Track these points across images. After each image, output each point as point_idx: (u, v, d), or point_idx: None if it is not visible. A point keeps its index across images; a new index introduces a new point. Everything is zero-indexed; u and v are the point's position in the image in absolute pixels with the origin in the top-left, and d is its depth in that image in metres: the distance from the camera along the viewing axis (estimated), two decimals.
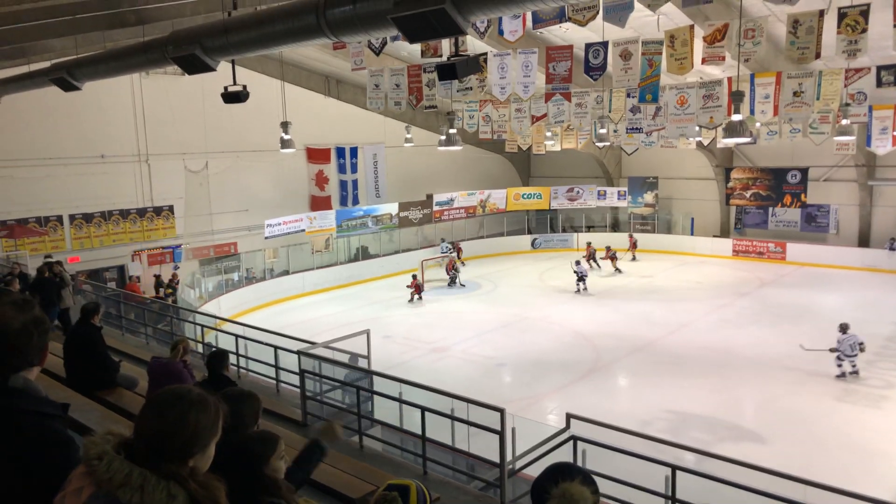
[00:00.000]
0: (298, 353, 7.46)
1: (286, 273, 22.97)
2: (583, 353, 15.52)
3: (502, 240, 30.55)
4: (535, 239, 30.96)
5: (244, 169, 22.09)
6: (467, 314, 19.51)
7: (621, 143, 23.36)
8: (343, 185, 26.11)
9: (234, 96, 9.27)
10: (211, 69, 7.64)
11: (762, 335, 16.54)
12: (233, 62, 9.51)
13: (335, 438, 3.56)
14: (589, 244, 26.14)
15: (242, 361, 10.15)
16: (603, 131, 20.15)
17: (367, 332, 8.58)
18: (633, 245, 27.62)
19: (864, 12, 9.84)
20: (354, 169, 26.26)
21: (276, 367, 8.82)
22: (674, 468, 5.60)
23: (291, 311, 20.41)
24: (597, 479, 6.35)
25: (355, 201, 26.15)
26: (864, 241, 25.31)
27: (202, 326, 12.22)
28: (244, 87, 9.25)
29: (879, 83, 12.72)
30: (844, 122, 14.59)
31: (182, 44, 7.60)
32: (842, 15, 9.92)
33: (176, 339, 7.26)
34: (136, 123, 19.60)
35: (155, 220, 20.37)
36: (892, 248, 24.17)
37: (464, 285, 23.37)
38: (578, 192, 30.81)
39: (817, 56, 10.31)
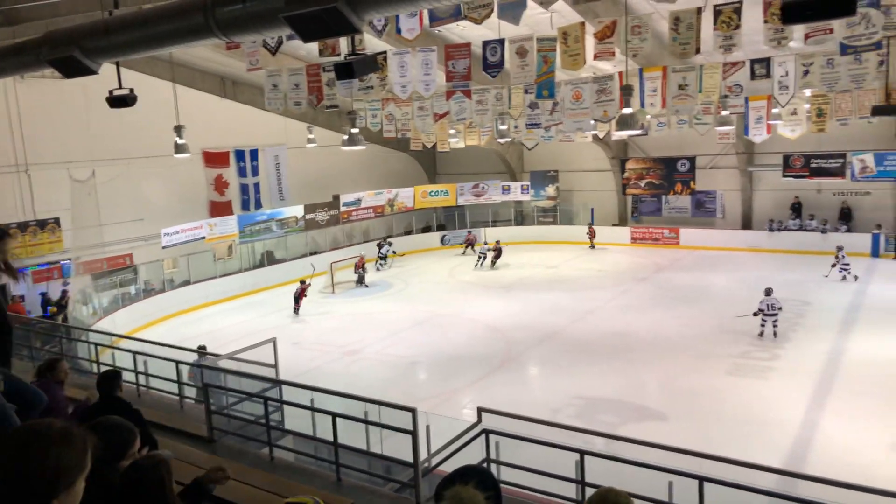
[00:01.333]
0: (201, 366, 7.16)
1: (187, 283, 22.02)
2: (495, 346, 15.79)
3: (412, 238, 30.60)
4: (444, 235, 31.21)
5: (136, 176, 20.95)
6: (380, 314, 19.41)
7: (522, 139, 23.94)
8: (244, 188, 25.30)
9: (120, 100, 8.77)
10: (92, 72, 7.18)
11: (661, 317, 17.42)
12: (117, 64, 8.99)
13: (218, 482, 3.39)
14: (498, 241, 26.85)
15: (143, 379, 9.66)
16: (504, 127, 20.60)
17: (274, 340, 8.35)
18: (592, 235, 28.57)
19: (738, 9, 10.49)
20: (256, 172, 25.50)
21: (179, 382, 8.44)
22: (582, 453, 5.78)
23: (195, 323, 19.59)
24: (509, 469, 6.48)
25: (258, 205, 25.41)
26: (746, 223, 27.15)
27: (96, 345, 11.51)
28: (131, 90, 8.77)
29: (753, 76, 13.62)
30: (724, 112, 15.53)
31: (58, 45, 7.10)
32: (717, 12, 10.55)
33: (48, 358, 6.50)
34: (11, 131, 18.15)
35: (39, 234, 18.97)
36: (772, 229, 26.05)
37: (367, 286, 23.26)
38: (484, 187, 31.32)
39: (697, 51, 10.91)
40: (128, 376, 9.79)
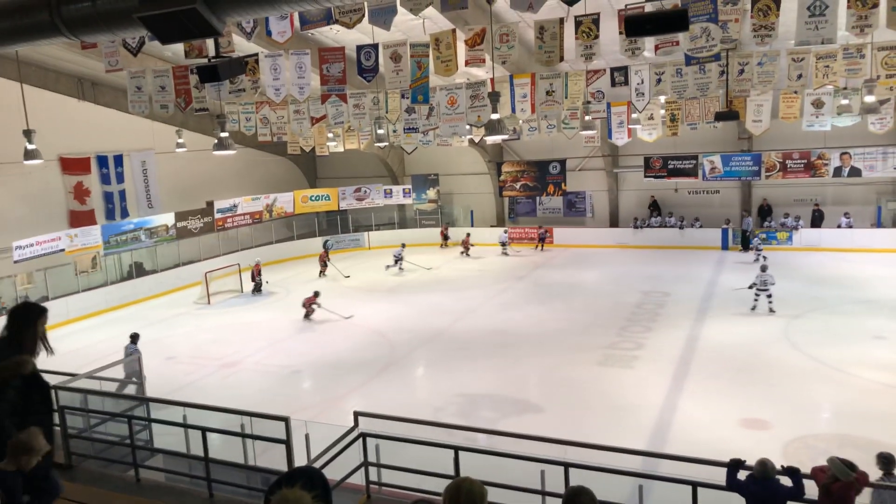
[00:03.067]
0: (55, 387, 6.69)
1: (45, 299, 20.29)
2: (378, 349, 15.80)
3: (293, 244, 29.93)
4: (326, 240, 30.75)
5: None
6: (259, 324, 18.86)
7: (401, 143, 24.11)
8: (108, 196, 23.71)
9: None
10: None
11: (538, 313, 18.16)
12: None
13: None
14: (468, 234, 28.03)
15: None
16: (382, 132, 20.68)
17: (139, 356, 7.93)
18: (541, 239, 28.89)
19: (596, 21, 11.19)
20: (121, 179, 23.96)
21: None
22: (456, 449, 5.95)
23: (56, 342, 17.84)
24: (386, 471, 6.55)
25: (124, 214, 23.88)
26: (613, 221, 28.88)
27: None
28: None
29: (613, 83, 14.57)
30: (588, 118, 16.44)
31: None
32: (578, 22, 11.19)
33: None
34: None
35: None
36: (636, 226, 27.89)
37: (261, 290, 22.61)
38: (366, 191, 31.24)
39: (561, 59, 11.51)
40: None
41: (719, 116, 14.28)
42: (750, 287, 17.32)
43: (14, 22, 5.97)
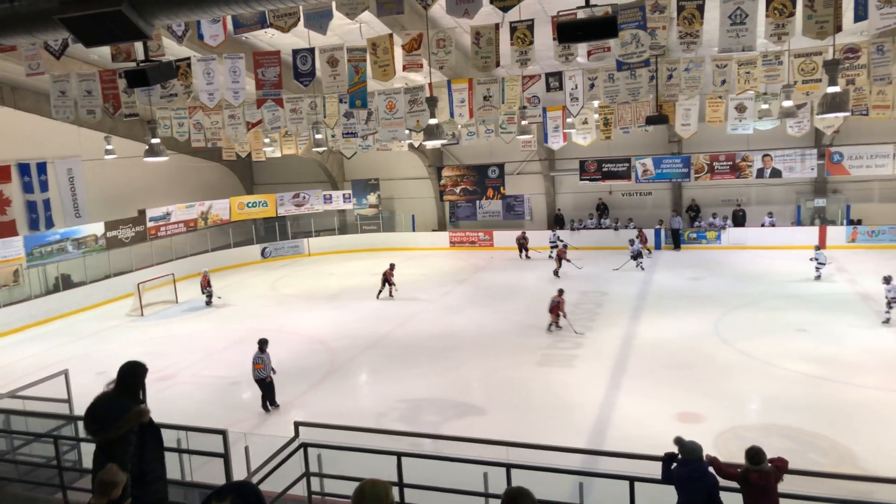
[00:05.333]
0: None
1: None
2: (319, 357, 15.61)
3: (230, 252, 29.25)
4: (265, 248, 30.23)
5: None
6: (196, 335, 18.34)
7: (340, 148, 23.92)
8: (31, 206, 22.58)
9: None
10: None
11: (479, 316, 18.31)
12: None
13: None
14: (559, 239, 26.54)
15: None
16: (320, 136, 20.44)
17: (66, 373, 7.60)
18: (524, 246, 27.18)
19: (530, 27, 11.38)
20: (45, 187, 22.86)
21: None
22: (399, 455, 5.94)
23: None
24: (330, 480, 6.47)
25: (49, 224, 22.80)
26: (552, 224, 29.40)
27: None
28: None
29: (549, 88, 14.84)
30: (524, 122, 16.70)
31: None
32: (513, 28, 11.36)
33: None
34: None
35: None
36: (574, 228, 28.47)
37: (211, 302, 21.93)
38: (305, 197, 30.85)
39: (497, 64, 11.65)
40: None
41: (650, 120, 14.77)
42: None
43: None
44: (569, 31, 6.28)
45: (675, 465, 5.80)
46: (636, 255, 23.02)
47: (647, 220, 27.76)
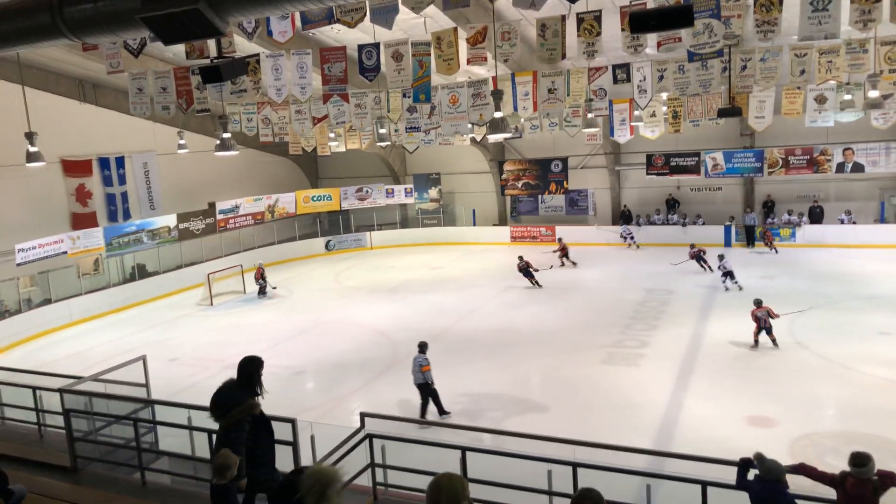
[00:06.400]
0: (60, 390, 6.66)
1: (48, 302, 20.33)
2: (381, 349, 15.77)
3: (295, 244, 29.92)
4: (329, 241, 30.78)
5: None
6: (262, 325, 18.84)
7: (403, 142, 24.07)
8: (110, 198, 23.69)
9: None
10: None
11: (540, 312, 18.12)
12: None
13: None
14: (560, 240, 25.27)
15: None
16: (383, 131, 20.65)
17: (144, 358, 7.91)
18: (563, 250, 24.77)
19: (598, 17, 11.13)
20: (123, 180, 23.94)
21: (37, 409, 7.79)
22: (463, 449, 5.92)
23: (58, 345, 18.14)
24: (393, 472, 6.54)
25: (126, 216, 23.87)
26: (616, 219, 28.81)
27: None
28: None
29: (615, 80, 14.50)
30: (590, 115, 16.38)
31: None
32: (580, 20, 11.13)
33: None
34: None
35: None
36: (639, 223, 27.82)
37: (265, 293, 22.49)
38: (367, 191, 31.21)
39: (563, 56, 11.45)
40: None
41: (722, 113, 14.22)
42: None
43: (16, 24, 5.94)
44: (641, 21, 6.07)
45: (752, 478, 5.55)
46: (726, 274, 19.36)
47: (716, 216, 26.84)
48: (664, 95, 17.86)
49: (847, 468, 5.31)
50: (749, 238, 25.67)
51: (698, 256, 22.03)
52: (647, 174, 26.96)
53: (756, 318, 14.01)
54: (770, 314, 13.93)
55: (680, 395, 11.92)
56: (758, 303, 14.21)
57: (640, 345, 14.81)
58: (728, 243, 25.94)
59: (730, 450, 6.53)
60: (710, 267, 21.29)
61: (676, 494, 6.30)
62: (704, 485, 5.52)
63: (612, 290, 20.19)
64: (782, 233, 25.40)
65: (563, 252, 24.35)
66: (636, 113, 18.69)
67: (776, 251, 24.23)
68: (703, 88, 13.83)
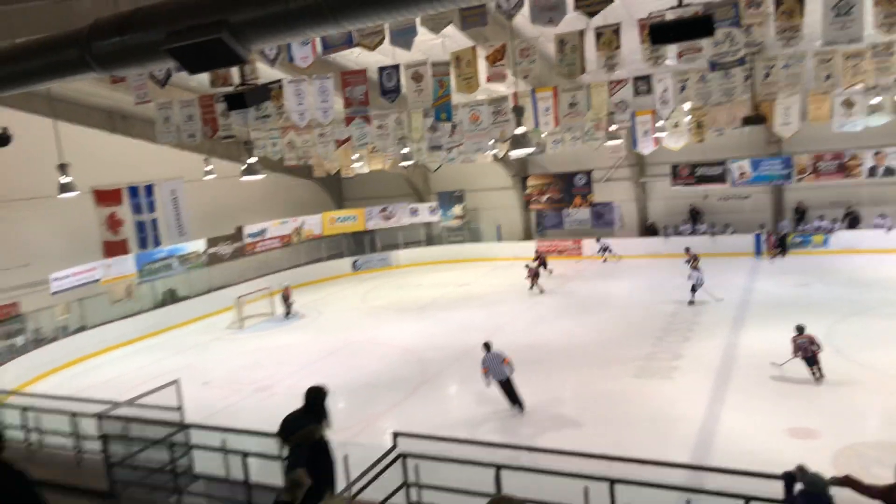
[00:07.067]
0: (98, 416, 6.75)
1: (83, 329, 20.72)
2: (411, 368, 15.75)
3: (322, 265, 30.15)
4: (356, 261, 30.97)
5: (18, 219, 19.62)
6: (291, 347, 18.95)
7: (425, 161, 24.19)
8: (141, 226, 24.12)
9: None
10: None
11: (569, 327, 17.96)
12: None
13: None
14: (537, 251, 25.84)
15: (34, 436, 8.99)
16: (406, 151, 20.80)
17: (177, 382, 8.00)
18: (542, 263, 25.11)
19: (617, 31, 11.13)
20: (152, 208, 24.38)
21: (75, 435, 7.91)
22: (497, 467, 5.86)
23: (93, 371, 18.45)
24: (427, 490, 6.48)
25: (157, 242, 24.27)
26: (643, 231, 28.54)
27: None
28: (5, 129, 8.29)
29: (637, 92, 14.42)
30: (612, 128, 16.32)
31: None
32: (598, 34, 11.14)
33: None
34: None
35: None
36: (666, 234, 27.52)
37: (291, 314, 22.75)
38: (392, 210, 31.40)
39: (583, 71, 11.45)
40: (17, 434, 9.11)
41: (747, 121, 14.10)
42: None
43: (46, 59, 6.12)
44: (661, 33, 6.06)
45: (796, 492, 5.39)
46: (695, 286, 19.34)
47: (745, 225, 26.45)
48: (687, 105, 17.73)
49: (894, 479, 5.13)
50: (783, 246, 25.22)
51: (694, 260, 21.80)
52: (673, 185, 26.72)
53: (798, 347, 12.50)
54: (813, 342, 12.39)
55: (716, 407, 11.68)
56: (800, 329, 12.64)
57: (674, 357, 14.58)
58: (758, 251, 25.52)
59: (771, 463, 6.36)
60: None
61: None
62: (747, 500, 5.38)
63: (643, 302, 19.95)
64: (815, 239, 24.92)
65: (540, 265, 24.04)
66: (659, 124, 18.58)
67: (782, 256, 24.43)
68: (726, 97, 13.69)
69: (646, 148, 19.19)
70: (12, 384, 15.98)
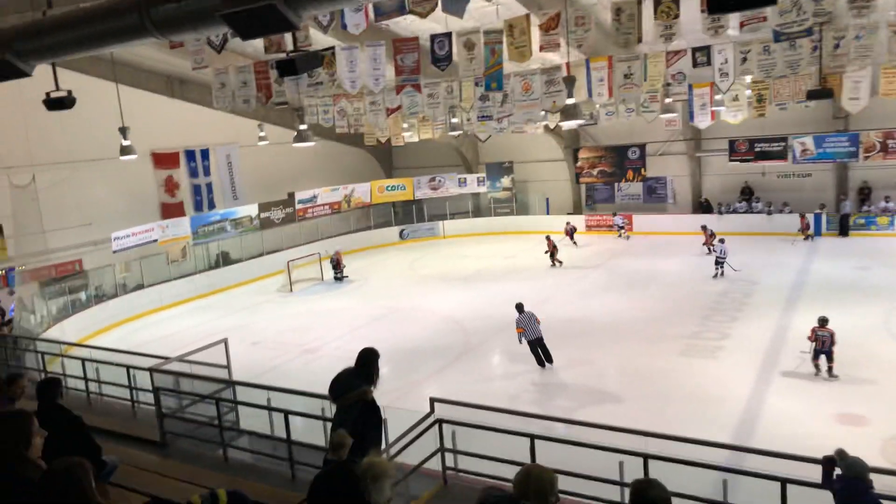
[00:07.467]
0: (150, 370, 7.08)
1: (140, 287, 21.57)
2: (454, 336, 15.91)
3: (370, 233, 30.51)
4: (402, 230, 31.21)
5: (82, 180, 20.42)
6: (338, 311, 19.34)
7: (475, 131, 24.03)
8: (196, 189, 24.86)
9: (58, 103, 8.55)
10: (26, 74, 7.00)
11: (615, 302, 17.78)
12: (53, 66, 8.76)
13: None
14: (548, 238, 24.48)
15: (94, 386, 9.48)
16: (456, 120, 20.69)
17: (225, 341, 8.29)
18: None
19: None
20: (207, 172, 25.06)
21: (130, 387, 8.31)
22: (532, 437, 5.91)
23: (149, 327, 19.24)
24: (463, 457, 6.58)
25: (211, 205, 24.99)
26: (697, 207, 27.81)
27: (44, 354, 11.22)
28: (69, 92, 8.56)
29: (695, 64, 13.95)
30: (668, 100, 15.86)
31: None
32: (657, 2, 10.77)
33: (10, 373, 6.59)
34: None
35: None
36: (720, 212, 26.78)
37: (339, 279, 23.23)
38: (440, 180, 31.41)
39: (640, 40, 11.13)
40: (78, 384, 9.62)
41: (812, 95, 13.46)
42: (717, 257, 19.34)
43: (107, 24, 6.29)
44: (721, 1, 5.82)
45: (835, 476, 5.28)
46: (720, 260, 19.68)
47: (804, 203, 25.45)
48: (748, 78, 17.05)
49: None
50: (843, 227, 24.27)
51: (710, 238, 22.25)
52: (730, 160, 25.87)
53: (816, 339, 11.81)
54: (833, 338, 11.68)
55: (762, 389, 11.46)
56: (822, 321, 11.90)
57: (720, 337, 14.31)
58: (818, 232, 24.61)
59: (816, 449, 6.22)
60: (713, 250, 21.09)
61: (757, 491, 6.08)
62: (784, 482, 5.31)
63: (691, 280, 19.58)
64: (879, 221, 23.87)
65: (553, 250, 23.47)
66: (717, 97, 17.93)
67: (812, 239, 23.75)
68: (790, 70, 13.11)
69: (703, 122, 18.57)
70: (75, 337, 16.81)
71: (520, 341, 13.06)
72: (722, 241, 19.99)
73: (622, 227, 27.71)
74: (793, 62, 12.86)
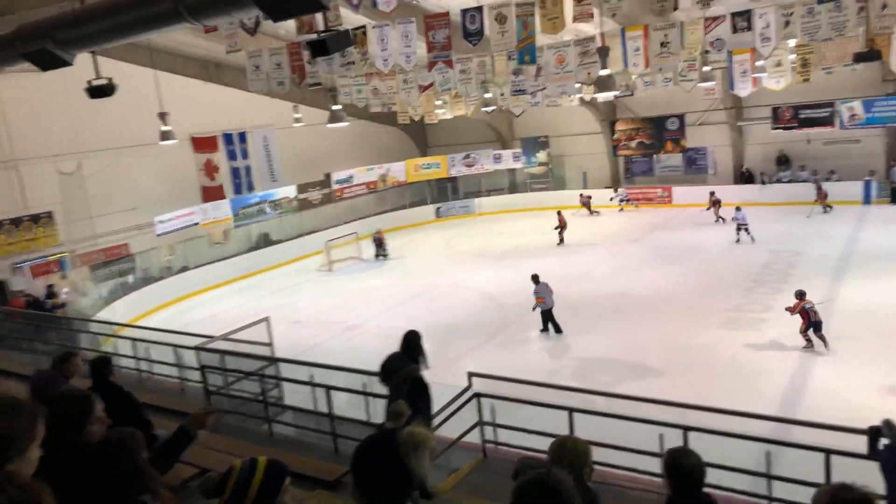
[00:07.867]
0: (196, 348, 7.30)
1: (185, 269, 22.14)
2: (492, 313, 15.96)
3: (406, 212, 30.62)
4: (438, 208, 31.24)
5: (125, 166, 20.93)
6: (377, 290, 19.55)
7: (509, 106, 23.78)
8: (235, 172, 25.24)
9: (99, 90, 8.80)
10: (67, 63, 7.20)
11: (655, 276, 17.56)
12: (93, 54, 8.98)
13: (203, 426, 3.66)
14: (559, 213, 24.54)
15: (145, 365, 9.82)
16: (489, 96, 20.52)
17: (268, 320, 8.48)
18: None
19: None
20: (245, 154, 25.41)
21: (178, 365, 8.59)
22: (570, 410, 5.93)
23: (195, 308, 19.76)
24: (502, 431, 6.64)
25: (250, 188, 25.37)
26: (738, 178, 27.14)
27: (96, 335, 11.65)
28: (110, 79, 8.79)
29: (735, 29, 13.51)
30: (707, 68, 15.45)
31: (31, 38, 7.12)
32: None
33: (64, 351, 6.88)
34: None
35: (34, 228, 19.02)
36: (763, 182, 26.08)
37: (382, 256, 23.63)
38: (475, 157, 31.26)
39: (675, 8, 10.86)
40: (129, 363, 9.98)
41: (859, 58, 12.96)
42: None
43: (143, 12, 6.41)
44: None
45: (881, 447, 5.16)
46: (741, 227, 20.15)
47: (853, 171, 24.62)
48: (791, 43, 16.48)
49: None
50: (894, 194, 23.43)
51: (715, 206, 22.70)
52: (773, 128, 25.13)
53: (804, 313, 11.61)
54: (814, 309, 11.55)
55: (808, 361, 11.25)
56: (800, 294, 11.81)
57: (764, 309, 14.05)
58: (867, 200, 23.83)
59: (863, 420, 6.11)
60: (723, 219, 21.68)
61: (800, 463, 6.00)
62: (828, 453, 5.23)
63: (733, 252, 19.20)
64: None
65: (562, 228, 23.23)
66: (759, 63, 17.39)
67: (830, 209, 23.01)
68: (836, 32, 12.61)
69: (743, 89, 18.07)
70: (125, 318, 17.37)
71: (533, 309, 13.91)
72: (738, 208, 20.31)
73: (624, 201, 27.54)
74: (839, 24, 12.37)
